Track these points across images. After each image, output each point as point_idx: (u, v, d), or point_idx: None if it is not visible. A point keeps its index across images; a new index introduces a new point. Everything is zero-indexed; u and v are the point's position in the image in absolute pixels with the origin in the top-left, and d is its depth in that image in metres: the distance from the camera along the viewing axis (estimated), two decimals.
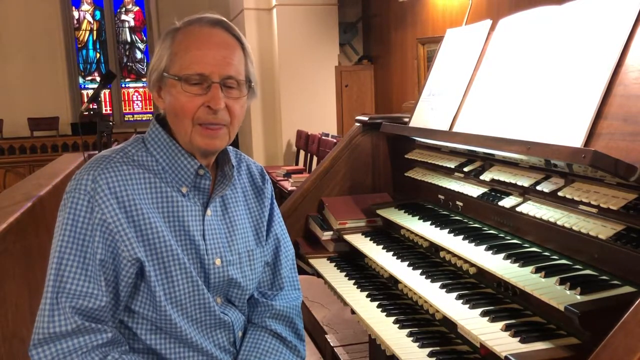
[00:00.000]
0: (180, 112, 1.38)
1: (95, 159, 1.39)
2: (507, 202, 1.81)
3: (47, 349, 1.26)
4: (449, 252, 1.91)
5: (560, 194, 1.56)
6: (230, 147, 1.60)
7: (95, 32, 11.91)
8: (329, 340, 2.27)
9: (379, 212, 2.48)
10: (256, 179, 1.63)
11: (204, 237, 1.42)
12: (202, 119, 1.37)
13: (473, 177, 2.02)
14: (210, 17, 1.42)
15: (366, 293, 2.08)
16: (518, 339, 1.41)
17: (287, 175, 6.57)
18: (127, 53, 12.03)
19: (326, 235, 2.53)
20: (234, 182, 1.55)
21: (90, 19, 11.89)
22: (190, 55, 1.37)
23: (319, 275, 2.38)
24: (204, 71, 1.35)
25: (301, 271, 2.58)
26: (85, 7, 11.82)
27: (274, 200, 1.67)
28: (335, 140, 6.45)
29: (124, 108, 11.92)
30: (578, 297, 1.35)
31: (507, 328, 1.47)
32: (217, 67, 1.37)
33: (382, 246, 2.27)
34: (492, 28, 2.18)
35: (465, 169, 2.05)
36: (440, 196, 2.32)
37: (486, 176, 1.91)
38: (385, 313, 1.90)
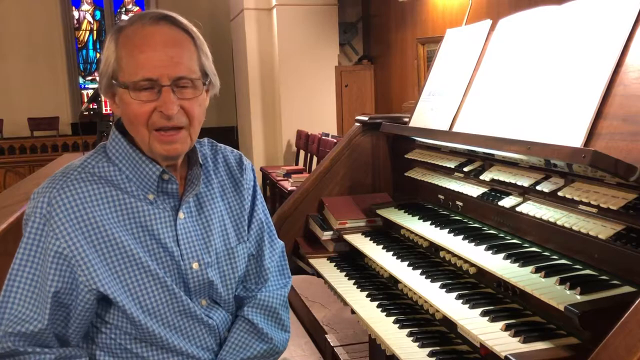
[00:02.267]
0: (134, 120, 1.32)
1: (54, 176, 1.34)
2: (507, 202, 1.81)
3: None
4: (448, 252, 1.91)
5: (560, 194, 1.56)
6: (206, 139, 1.55)
7: (95, 32, 11.91)
8: (329, 340, 2.26)
9: (379, 212, 2.48)
10: (234, 170, 1.55)
11: (177, 243, 1.38)
12: (157, 124, 1.31)
13: (473, 177, 2.02)
14: (153, 13, 1.33)
15: (366, 293, 2.08)
16: (518, 339, 1.41)
17: (287, 175, 6.56)
18: None
19: (326, 235, 2.53)
20: (210, 179, 1.49)
21: (90, 19, 11.89)
22: (135, 59, 1.29)
23: (319, 275, 2.38)
24: (151, 75, 1.28)
25: (301, 271, 2.58)
26: (85, 7, 11.82)
27: (257, 189, 1.59)
28: (335, 140, 6.45)
29: None
30: (578, 297, 1.35)
31: (507, 328, 1.47)
32: (165, 68, 1.28)
33: (382, 246, 2.27)
34: (492, 28, 2.18)
35: (465, 169, 2.05)
36: (440, 196, 2.32)
37: (486, 176, 1.91)
38: (385, 313, 1.89)
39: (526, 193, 1.77)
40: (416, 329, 1.77)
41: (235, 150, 1.61)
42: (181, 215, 1.40)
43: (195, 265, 1.40)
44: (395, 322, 1.82)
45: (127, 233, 1.33)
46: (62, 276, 1.28)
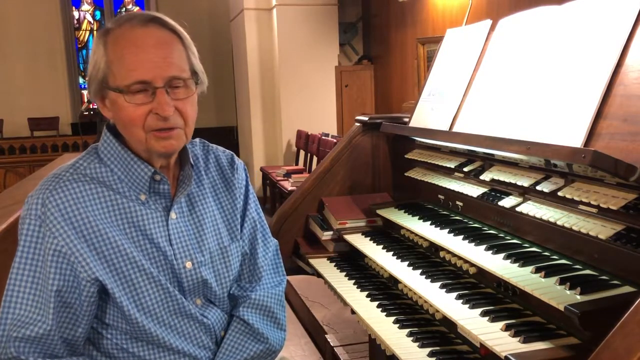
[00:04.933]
0: (129, 123, 1.31)
1: (46, 179, 1.34)
2: (507, 202, 1.81)
3: None
4: (448, 252, 1.91)
5: (560, 194, 1.56)
6: (198, 139, 1.56)
7: (95, 32, 11.91)
8: (329, 340, 2.26)
9: (379, 212, 2.48)
10: (225, 170, 1.55)
11: (170, 242, 1.38)
12: (153, 126, 1.31)
13: (473, 177, 2.02)
14: (141, 15, 1.34)
15: (366, 293, 2.08)
16: (518, 339, 1.41)
17: (287, 175, 6.57)
18: None
19: (326, 235, 2.53)
20: (201, 179, 1.50)
21: (90, 19, 11.90)
22: (127, 62, 1.28)
23: (319, 275, 2.38)
24: (144, 77, 1.28)
25: (301, 271, 2.58)
26: (85, 7, 11.83)
27: (249, 188, 1.60)
28: (335, 140, 6.45)
29: None
30: (578, 297, 1.35)
31: (507, 328, 1.47)
32: (158, 69, 1.28)
33: (382, 246, 2.27)
34: (492, 28, 2.18)
35: (465, 169, 2.05)
36: (440, 196, 2.32)
37: (486, 176, 1.91)
38: (385, 313, 1.89)
39: (526, 193, 1.77)
40: (416, 329, 1.77)
41: (227, 150, 1.62)
42: (173, 215, 1.41)
43: (188, 265, 1.40)
44: (395, 322, 1.82)
45: (120, 232, 1.33)
46: (62, 274, 1.28)
